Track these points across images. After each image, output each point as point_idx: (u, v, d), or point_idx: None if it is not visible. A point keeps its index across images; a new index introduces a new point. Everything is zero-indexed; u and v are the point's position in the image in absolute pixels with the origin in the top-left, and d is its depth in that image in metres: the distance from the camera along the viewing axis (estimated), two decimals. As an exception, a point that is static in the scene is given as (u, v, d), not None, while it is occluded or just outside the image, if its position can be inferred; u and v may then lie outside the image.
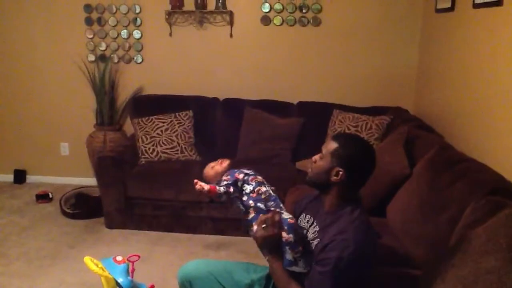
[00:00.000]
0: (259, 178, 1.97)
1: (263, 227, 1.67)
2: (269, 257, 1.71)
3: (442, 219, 2.03)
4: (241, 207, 1.89)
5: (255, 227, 1.75)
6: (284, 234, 1.68)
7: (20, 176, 4.58)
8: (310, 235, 1.72)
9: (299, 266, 1.66)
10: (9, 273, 2.97)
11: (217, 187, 1.90)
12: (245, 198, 1.88)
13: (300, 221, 1.82)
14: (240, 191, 1.91)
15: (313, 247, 1.66)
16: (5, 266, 3.04)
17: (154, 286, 2.56)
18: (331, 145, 1.66)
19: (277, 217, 1.68)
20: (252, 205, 1.85)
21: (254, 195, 1.87)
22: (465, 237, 1.74)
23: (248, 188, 1.89)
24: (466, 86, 2.90)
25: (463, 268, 1.60)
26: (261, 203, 1.85)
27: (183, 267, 2.02)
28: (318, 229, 1.69)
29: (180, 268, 2.03)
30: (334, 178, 1.63)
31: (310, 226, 1.75)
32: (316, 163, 1.69)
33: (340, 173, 1.62)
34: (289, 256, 1.67)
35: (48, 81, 4.39)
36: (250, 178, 1.94)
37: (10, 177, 4.60)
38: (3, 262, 3.09)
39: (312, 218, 1.76)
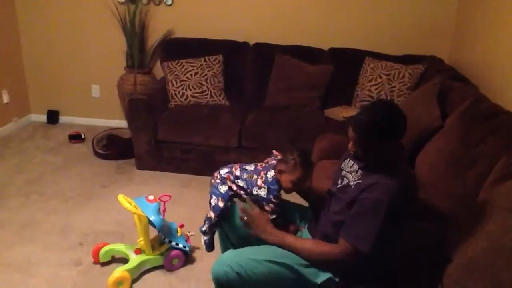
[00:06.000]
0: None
1: (249, 226, 1.87)
2: (276, 239, 1.79)
3: (472, 174, 2.01)
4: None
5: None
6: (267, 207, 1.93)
7: (53, 117, 4.70)
8: (351, 178, 1.76)
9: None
10: (46, 209, 3.11)
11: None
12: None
13: (344, 165, 1.86)
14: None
15: (352, 187, 1.71)
16: (42, 203, 3.18)
17: (183, 226, 2.66)
18: (352, 135, 1.66)
19: (254, 212, 1.89)
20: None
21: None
22: (494, 192, 1.73)
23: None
24: (508, 36, 2.78)
25: (490, 223, 1.60)
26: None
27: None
28: (361, 174, 1.73)
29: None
30: (379, 151, 1.65)
31: (352, 171, 1.79)
32: (354, 150, 1.69)
33: (382, 145, 1.63)
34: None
35: (80, 23, 4.39)
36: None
37: (43, 117, 4.72)
38: (40, 199, 3.24)
39: (356, 165, 1.79)
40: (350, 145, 1.70)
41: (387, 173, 1.61)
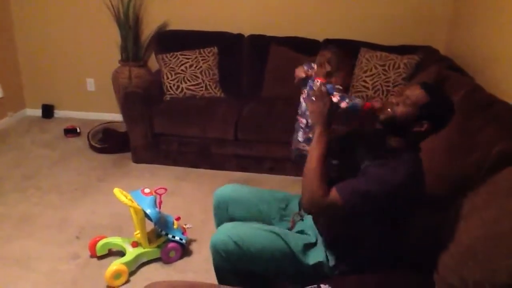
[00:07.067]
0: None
1: (312, 100, 1.77)
2: (319, 131, 1.69)
3: (470, 162, 2.01)
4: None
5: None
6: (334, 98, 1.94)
7: (48, 111, 4.68)
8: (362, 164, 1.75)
9: None
10: (43, 204, 3.10)
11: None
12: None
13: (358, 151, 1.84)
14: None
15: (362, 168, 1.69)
16: (39, 197, 3.18)
17: (180, 218, 2.66)
18: (421, 96, 1.60)
19: (323, 88, 1.93)
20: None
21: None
22: (491, 179, 1.74)
23: None
24: (506, 28, 2.78)
25: (487, 209, 1.60)
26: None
27: (221, 188, 2.08)
28: (371, 158, 1.70)
29: (218, 189, 2.08)
30: (416, 128, 1.62)
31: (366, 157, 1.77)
32: (400, 107, 1.63)
33: (425, 126, 1.61)
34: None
35: (74, 16, 4.36)
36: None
37: (38, 112, 4.69)
38: (37, 193, 3.23)
39: (367, 151, 1.77)
40: (395, 99, 1.65)
41: (403, 156, 1.61)
